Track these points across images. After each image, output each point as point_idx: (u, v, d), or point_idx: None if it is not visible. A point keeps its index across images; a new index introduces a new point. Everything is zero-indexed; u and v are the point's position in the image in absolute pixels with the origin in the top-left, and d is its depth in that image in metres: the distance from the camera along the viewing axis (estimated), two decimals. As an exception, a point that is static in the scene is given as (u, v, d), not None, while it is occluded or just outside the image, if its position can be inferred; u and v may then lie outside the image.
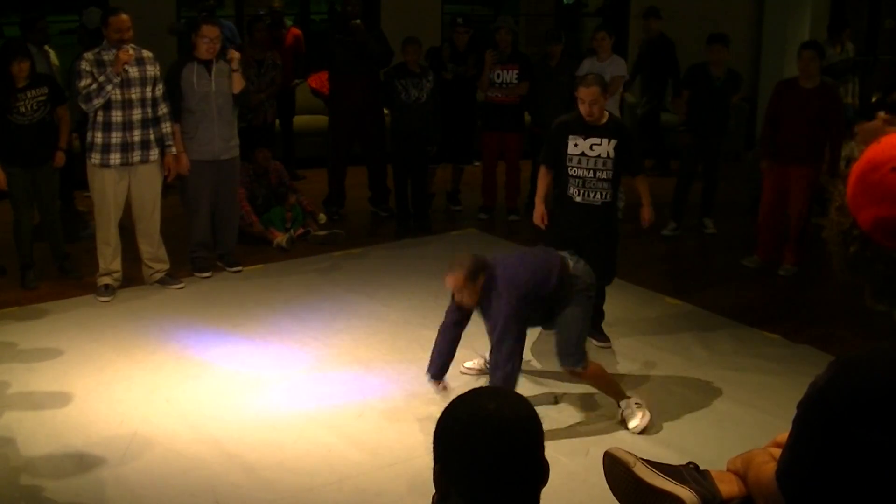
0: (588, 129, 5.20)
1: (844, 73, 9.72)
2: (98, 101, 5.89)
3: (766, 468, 1.63)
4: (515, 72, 8.03)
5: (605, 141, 5.17)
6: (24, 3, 9.56)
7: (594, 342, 5.50)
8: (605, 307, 5.73)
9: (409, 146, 7.75)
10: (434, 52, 8.36)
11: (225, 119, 6.44)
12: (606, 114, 5.24)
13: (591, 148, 5.19)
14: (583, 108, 5.15)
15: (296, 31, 9.55)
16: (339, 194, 8.20)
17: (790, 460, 1.53)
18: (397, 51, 7.88)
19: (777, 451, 1.67)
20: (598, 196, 5.24)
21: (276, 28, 9.02)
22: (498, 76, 8.04)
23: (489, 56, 8.03)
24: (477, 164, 8.78)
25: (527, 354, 5.41)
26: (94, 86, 5.86)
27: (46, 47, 7.75)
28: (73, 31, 9.41)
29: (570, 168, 5.24)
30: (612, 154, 5.16)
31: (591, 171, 5.21)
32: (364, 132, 8.03)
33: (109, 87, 5.88)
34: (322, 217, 7.91)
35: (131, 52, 5.92)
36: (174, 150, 6.20)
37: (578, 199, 5.25)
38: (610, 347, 5.53)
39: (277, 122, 8.91)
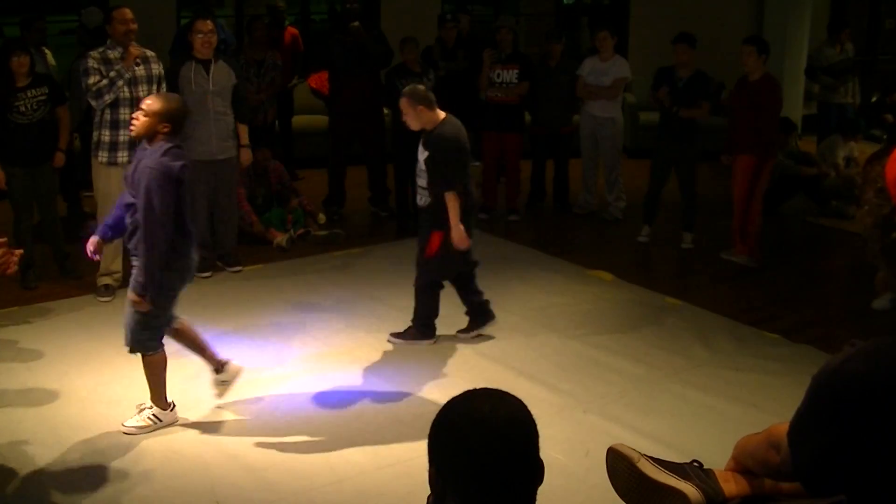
0: (422, 139, 5.42)
1: (844, 73, 9.72)
2: (109, 97, 5.91)
3: (781, 427, 1.64)
4: (516, 71, 8.02)
5: (422, 150, 5.34)
6: (24, 3, 9.55)
7: (466, 334, 5.58)
8: (605, 307, 5.74)
9: (411, 146, 7.72)
10: (426, 51, 8.35)
11: (222, 119, 6.44)
12: (433, 124, 5.30)
13: (419, 156, 5.38)
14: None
15: (293, 30, 9.54)
16: (339, 194, 8.19)
17: (799, 426, 1.55)
18: (398, 51, 7.88)
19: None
20: (423, 200, 5.40)
21: (274, 28, 9.02)
22: (498, 76, 8.03)
23: (487, 55, 8.03)
24: (476, 163, 8.78)
25: (524, 357, 5.42)
26: (105, 81, 5.88)
27: (44, 48, 7.75)
28: (73, 31, 9.40)
29: None
30: (423, 165, 5.32)
31: (419, 177, 5.40)
32: (364, 132, 8.03)
33: (120, 83, 5.90)
34: (322, 217, 7.91)
35: (139, 51, 5.97)
36: None
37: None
38: (471, 337, 5.57)
39: (276, 122, 8.91)
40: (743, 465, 1.82)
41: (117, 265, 6.19)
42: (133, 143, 6.04)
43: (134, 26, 5.98)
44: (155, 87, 6.06)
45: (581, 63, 8.36)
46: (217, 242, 6.75)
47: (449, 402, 1.62)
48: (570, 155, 8.46)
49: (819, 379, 1.51)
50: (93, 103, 6.01)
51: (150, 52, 6.14)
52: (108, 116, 5.97)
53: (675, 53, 7.38)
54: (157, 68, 6.12)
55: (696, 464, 1.86)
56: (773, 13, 11.02)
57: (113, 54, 5.93)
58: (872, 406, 1.42)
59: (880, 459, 1.43)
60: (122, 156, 6.00)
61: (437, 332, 5.57)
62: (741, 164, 6.92)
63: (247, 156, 6.62)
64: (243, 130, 6.57)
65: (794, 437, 1.56)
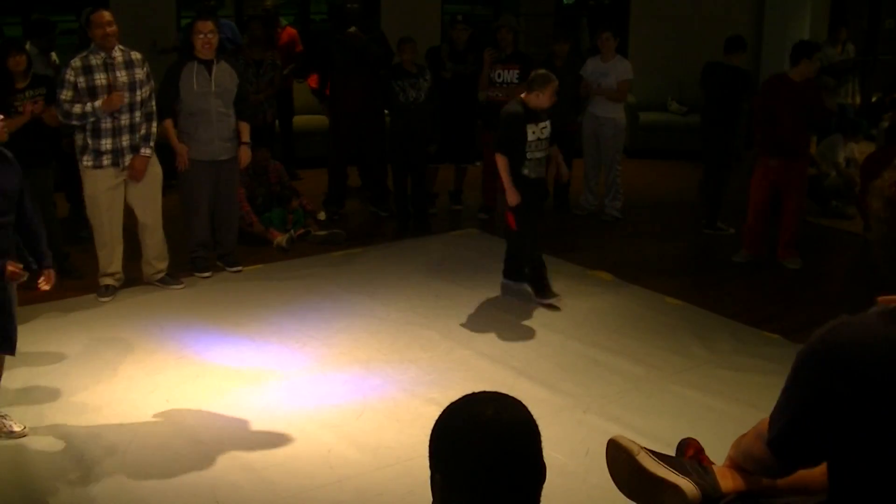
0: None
1: (844, 72, 9.72)
2: (75, 122, 5.88)
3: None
4: (516, 71, 8.00)
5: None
6: (25, 4, 9.54)
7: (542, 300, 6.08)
8: (605, 307, 5.75)
9: (409, 147, 7.73)
10: (433, 51, 8.35)
11: (224, 119, 6.43)
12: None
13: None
14: None
15: (291, 30, 9.54)
16: (339, 194, 8.19)
17: (777, 402, 1.65)
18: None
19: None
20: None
21: (269, 27, 9.00)
22: (499, 76, 8.02)
23: (488, 55, 8.02)
24: (478, 163, 8.77)
25: (524, 357, 5.43)
26: (78, 109, 5.81)
27: (52, 54, 7.77)
28: (73, 31, 9.40)
29: None
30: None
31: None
32: (364, 132, 8.02)
33: (92, 119, 5.85)
34: (321, 214, 7.91)
35: (125, 98, 5.86)
36: (146, 152, 6.06)
37: None
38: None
39: (277, 122, 8.91)
40: (737, 462, 1.84)
41: (116, 266, 6.17)
42: (117, 151, 6.01)
43: (111, 29, 5.85)
44: (138, 92, 5.96)
45: (584, 63, 8.35)
46: (217, 242, 6.75)
47: (450, 407, 1.61)
48: (573, 155, 8.45)
49: (802, 350, 1.63)
50: (58, 114, 5.92)
51: (135, 55, 6.04)
52: (89, 125, 5.90)
53: (735, 58, 7.82)
54: (140, 73, 5.99)
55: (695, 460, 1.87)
56: (773, 13, 11.01)
57: (95, 60, 5.85)
58: (833, 373, 1.53)
59: (844, 427, 1.53)
60: (107, 159, 5.95)
61: (432, 334, 5.61)
62: (800, 170, 6.89)
63: (246, 154, 6.57)
64: (244, 128, 6.55)
65: (773, 413, 1.65)
